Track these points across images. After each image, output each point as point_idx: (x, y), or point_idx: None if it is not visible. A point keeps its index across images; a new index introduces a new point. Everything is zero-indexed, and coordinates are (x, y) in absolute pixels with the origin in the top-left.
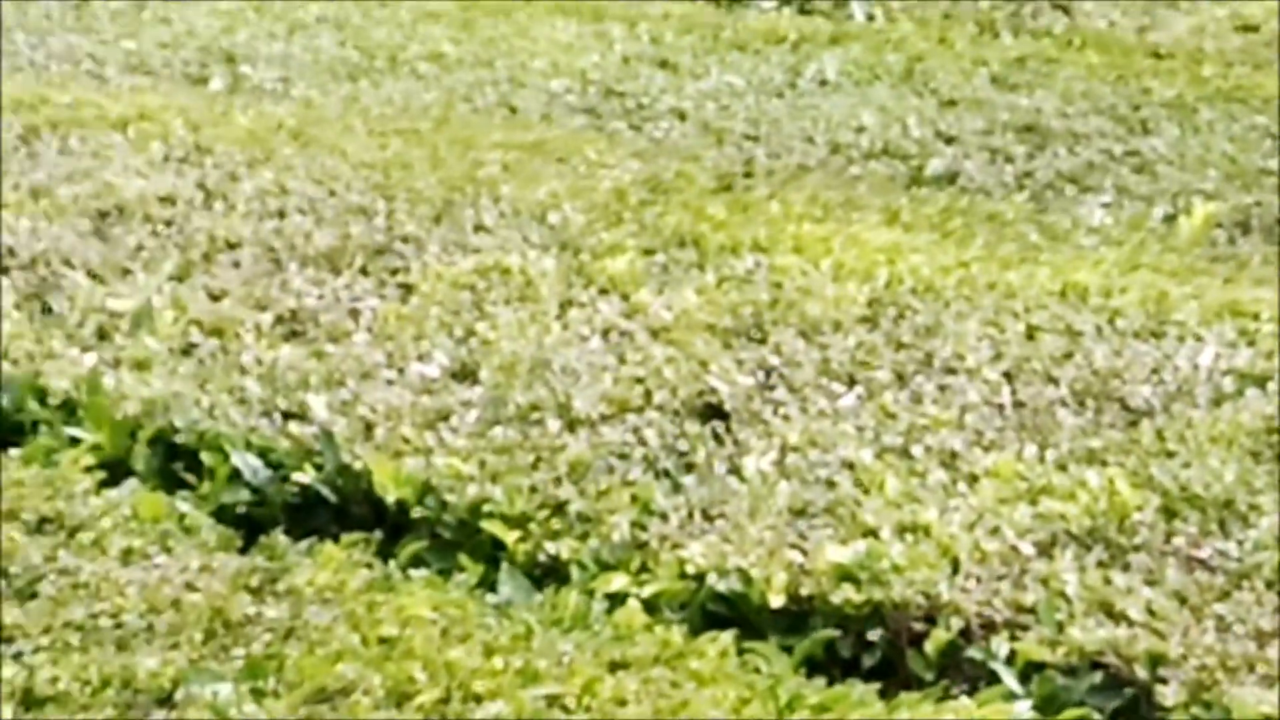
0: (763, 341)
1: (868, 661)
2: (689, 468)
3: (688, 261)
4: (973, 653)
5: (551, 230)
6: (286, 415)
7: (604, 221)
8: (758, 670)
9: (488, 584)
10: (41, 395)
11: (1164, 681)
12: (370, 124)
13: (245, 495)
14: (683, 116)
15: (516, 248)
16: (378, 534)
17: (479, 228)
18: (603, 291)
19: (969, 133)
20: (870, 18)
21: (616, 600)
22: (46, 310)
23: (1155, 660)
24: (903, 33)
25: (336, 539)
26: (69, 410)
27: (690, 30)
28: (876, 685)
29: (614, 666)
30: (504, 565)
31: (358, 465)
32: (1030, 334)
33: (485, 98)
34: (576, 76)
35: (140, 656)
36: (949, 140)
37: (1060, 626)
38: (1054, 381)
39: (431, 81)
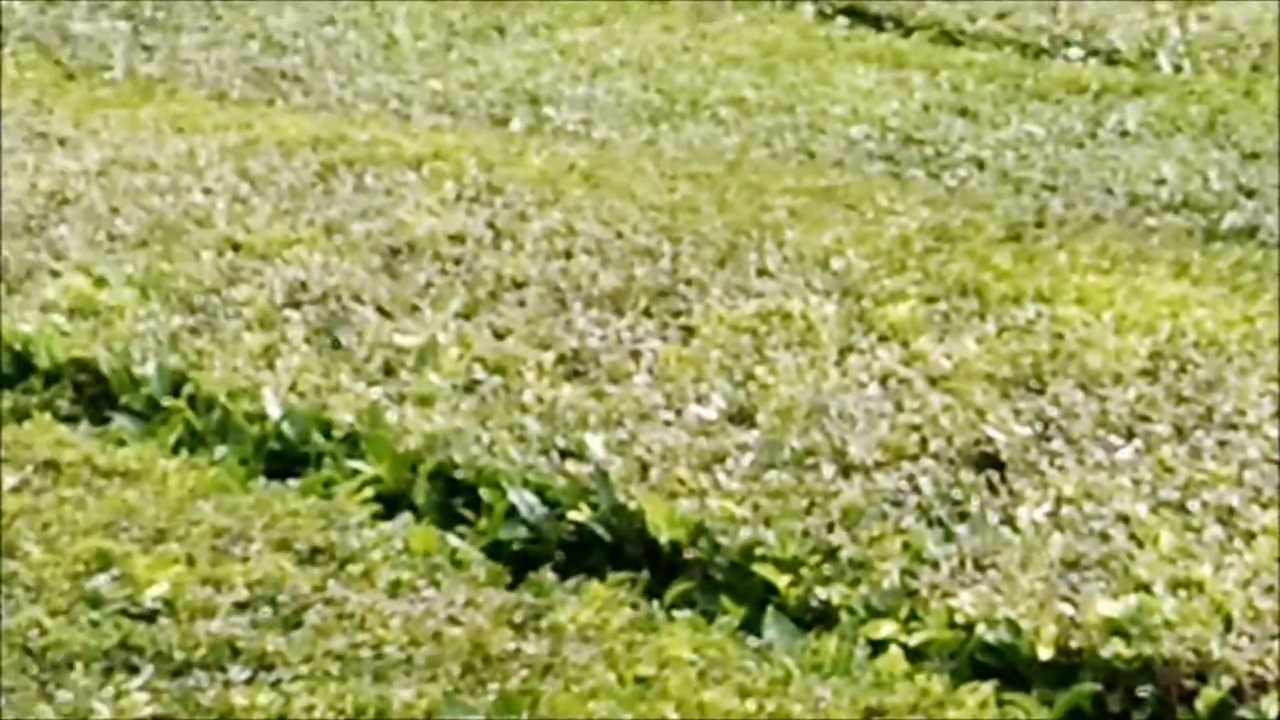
0: (1041, 392)
1: (1136, 718)
2: (962, 516)
3: (969, 310)
4: (1244, 712)
5: (834, 276)
6: (564, 454)
7: (887, 268)
8: None
9: (751, 627)
10: (326, 428)
11: None
12: (662, 167)
13: (520, 532)
14: (980, 165)
15: (798, 293)
16: (646, 574)
17: (762, 272)
18: (883, 338)
19: (1270, 186)
20: (1177, 69)
21: (880, 647)
22: (335, 345)
23: None
24: (1208, 84)
25: (606, 577)
26: (351, 443)
27: (992, 79)
28: None
29: (870, 713)
30: (769, 609)
31: (632, 505)
32: None
33: (783, 143)
34: (876, 123)
35: (396, 688)
36: (1249, 194)
37: None
38: None
39: (731, 126)
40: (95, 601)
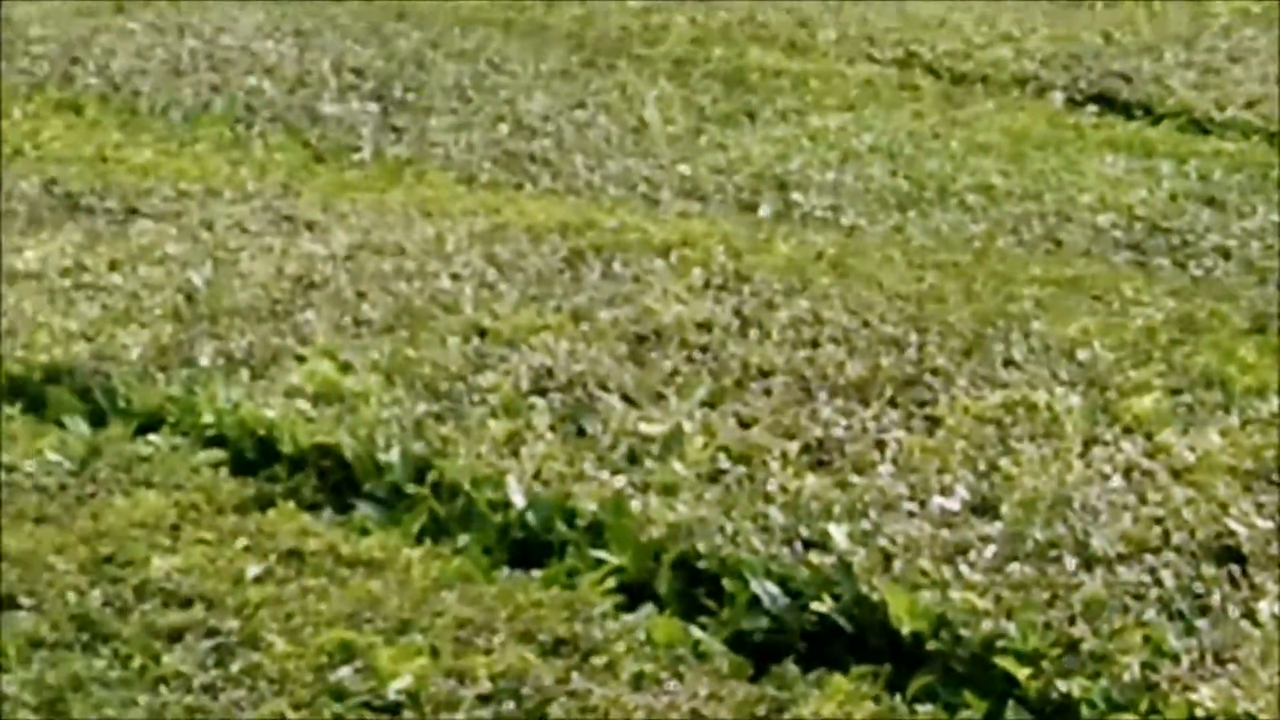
0: None
1: None
2: (1203, 610)
3: (1213, 403)
4: None
5: (1080, 367)
6: (808, 544)
7: (1133, 360)
8: None
9: None
10: (570, 516)
11: None
12: (910, 255)
13: (763, 623)
14: (1226, 255)
15: (1044, 384)
16: (888, 666)
17: (1008, 362)
18: (1127, 430)
19: None
20: None
21: None
22: (580, 432)
23: None
24: None
25: (847, 669)
26: (595, 532)
27: (1240, 168)
28: None
29: None
30: (1010, 702)
31: (874, 596)
32: None
33: (1030, 231)
34: (1123, 212)
35: None
36: None
37: None
38: None
39: (978, 213)
40: (339, 694)
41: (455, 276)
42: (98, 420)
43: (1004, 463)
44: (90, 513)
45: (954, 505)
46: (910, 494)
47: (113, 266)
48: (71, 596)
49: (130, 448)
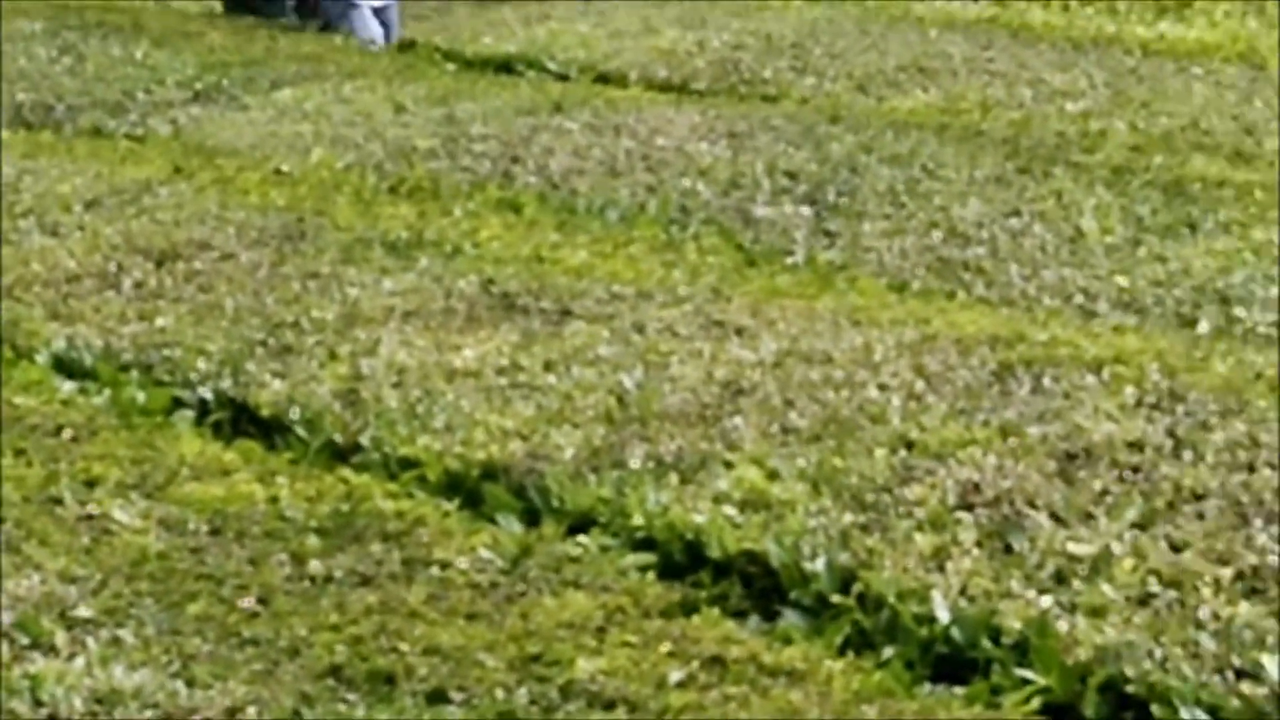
0: None
1: None
2: None
3: None
4: None
5: None
6: (1240, 673)
7: None
8: None
9: None
10: (995, 634)
11: None
12: None
13: None
14: None
15: None
16: None
17: None
18: None
19: None
20: None
21: None
22: (1007, 549)
23: None
24: None
25: None
26: (1020, 651)
27: None
28: None
29: None
30: None
31: None
32: None
33: None
34: None
35: None
36: None
37: None
38: None
39: None
40: None
41: (883, 387)
42: (531, 519)
43: None
44: (520, 611)
45: None
46: None
47: (547, 367)
48: (499, 693)
49: (561, 548)
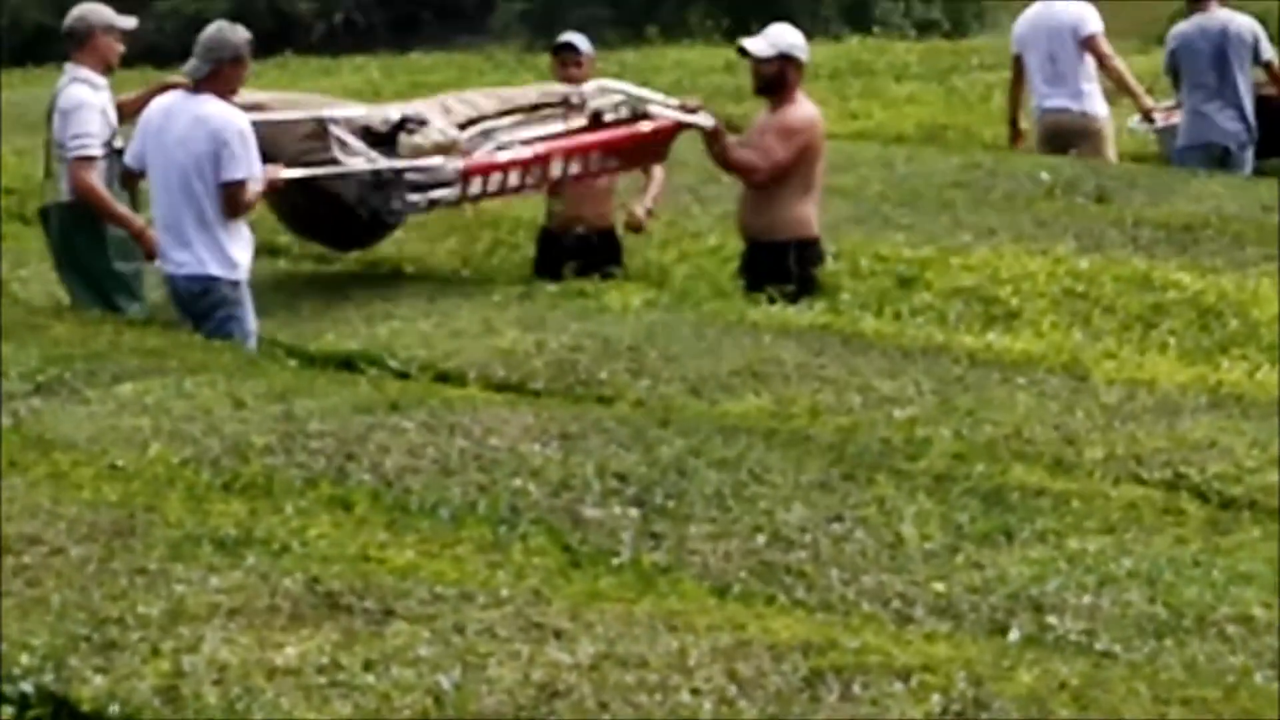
0: None
1: None
2: None
3: None
4: None
5: None
6: None
7: None
8: None
9: None
10: None
11: None
12: (1157, 689)
13: None
14: None
15: None
16: None
17: None
18: None
19: None
20: None
21: None
22: None
23: None
24: None
25: None
26: None
27: None
28: None
29: None
30: None
31: None
32: None
33: None
34: None
35: None
36: None
37: None
38: None
39: (1237, 644)
40: None
41: (695, 691)
42: None
43: None
44: None
45: None
46: None
47: (367, 666)
48: None
49: None
